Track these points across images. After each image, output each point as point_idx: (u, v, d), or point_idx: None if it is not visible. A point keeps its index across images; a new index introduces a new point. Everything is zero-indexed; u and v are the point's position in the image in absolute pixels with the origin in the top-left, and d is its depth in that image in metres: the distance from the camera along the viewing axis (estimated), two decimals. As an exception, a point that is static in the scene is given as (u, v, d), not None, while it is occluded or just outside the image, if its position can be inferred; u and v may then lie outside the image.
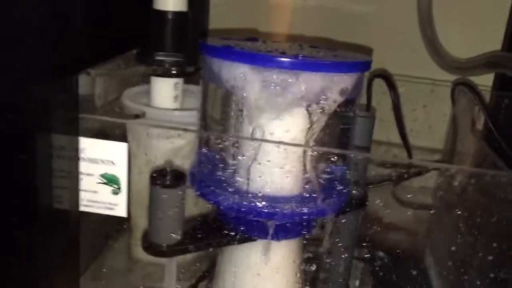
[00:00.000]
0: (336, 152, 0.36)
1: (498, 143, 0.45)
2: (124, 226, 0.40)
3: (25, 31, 0.27)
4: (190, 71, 0.44)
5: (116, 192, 0.34)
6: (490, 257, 0.38)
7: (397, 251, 0.47)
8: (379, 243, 0.46)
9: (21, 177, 0.28)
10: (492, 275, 0.38)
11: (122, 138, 0.36)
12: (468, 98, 0.50)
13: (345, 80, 0.33)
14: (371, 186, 0.44)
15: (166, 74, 0.43)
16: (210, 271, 0.42)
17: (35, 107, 0.28)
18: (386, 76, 0.49)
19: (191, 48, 0.44)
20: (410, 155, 0.50)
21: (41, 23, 0.28)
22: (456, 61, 0.59)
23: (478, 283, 0.39)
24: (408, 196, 0.47)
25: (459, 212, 0.40)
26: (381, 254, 0.48)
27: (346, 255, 0.42)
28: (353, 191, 0.38)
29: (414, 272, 0.44)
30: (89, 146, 0.33)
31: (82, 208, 0.34)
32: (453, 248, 0.42)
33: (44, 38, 0.28)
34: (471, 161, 0.49)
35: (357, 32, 0.62)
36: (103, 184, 0.34)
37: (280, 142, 0.34)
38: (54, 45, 0.28)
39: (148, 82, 0.45)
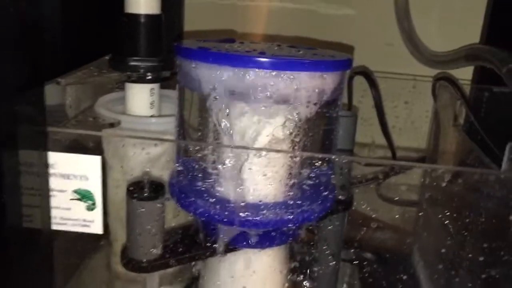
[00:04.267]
0: (320, 156, 0.35)
1: (481, 137, 0.45)
2: (101, 243, 0.38)
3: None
4: (166, 75, 0.43)
5: (91, 208, 0.33)
6: (477, 256, 0.37)
7: (384, 251, 0.46)
8: (366, 244, 0.45)
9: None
10: (481, 275, 0.37)
11: (97, 149, 0.34)
12: (449, 93, 0.49)
13: (327, 79, 0.32)
14: (355, 186, 0.43)
15: (141, 80, 0.42)
16: (193, 284, 0.41)
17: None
18: (366, 73, 0.48)
19: (166, 52, 0.43)
20: (393, 154, 0.49)
21: (6, 30, 0.26)
22: (435, 55, 0.59)
23: (465, 281, 0.39)
24: (394, 195, 0.46)
25: (445, 211, 0.40)
26: (368, 255, 0.48)
27: (333, 260, 0.41)
28: (339, 196, 0.37)
29: (402, 273, 0.44)
30: (59, 161, 0.31)
31: (54, 227, 0.33)
32: (440, 247, 0.42)
33: (9, 46, 0.26)
34: (455, 156, 0.49)
35: (335, 30, 0.61)
36: (76, 200, 0.32)
37: (261, 149, 0.33)
38: (20, 53, 0.27)
39: (122, 88, 0.43)
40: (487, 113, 0.50)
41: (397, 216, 0.45)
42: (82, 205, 0.32)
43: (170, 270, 0.35)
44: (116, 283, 0.42)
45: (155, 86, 0.43)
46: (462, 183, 0.35)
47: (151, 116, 0.43)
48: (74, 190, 0.32)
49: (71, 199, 0.32)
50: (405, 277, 0.43)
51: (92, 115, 0.41)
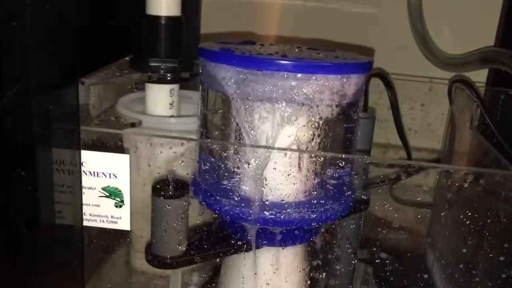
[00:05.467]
0: (341, 156, 0.35)
1: (496, 140, 0.45)
2: (128, 240, 0.39)
3: (24, 41, 0.26)
4: (185, 76, 0.43)
5: (119, 205, 0.33)
6: (492, 255, 0.38)
7: (400, 251, 0.46)
8: (381, 244, 0.45)
9: (22, 193, 0.27)
10: (497, 275, 0.37)
11: (118, 147, 0.35)
12: (465, 95, 0.49)
13: (348, 82, 0.33)
14: (372, 187, 0.44)
15: (161, 81, 0.42)
16: (213, 281, 0.41)
17: (35, 120, 0.27)
18: (383, 76, 0.49)
19: (186, 53, 0.43)
20: (409, 155, 0.50)
21: (40, 34, 0.27)
22: (449, 58, 0.59)
23: (479, 280, 0.39)
24: (407, 196, 0.46)
25: (460, 212, 0.40)
26: (383, 255, 0.48)
27: (352, 259, 0.41)
28: (362, 196, 0.37)
29: (418, 272, 0.44)
30: (90, 159, 0.32)
31: (85, 223, 0.33)
32: (455, 248, 0.42)
33: (43, 49, 0.27)
34: (470, 158, 0.49)
35: (351, 32, 0.61)
36: (105, 198, 0.33)
37: (283, 149, 0.33)
38: (52, 56, 0.27)
39: (143, 89, 0.44)
40: (503, 115, 0.50)
41: (410, 214, 0.45)
42: (110, 202, 0.33)
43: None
44: (136, 279, 0.42)
45: (175, 86, 0.43)
46: (479, 184, 0.35)
47: (171, 116, 0.43)
48: (103, 188, 0.33)
49: (100, 196, 0.33)
50: (419, 276, 0.43)
51: (114, 114, 0.41)
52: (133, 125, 0.39)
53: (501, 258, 0.36)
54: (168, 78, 0.42)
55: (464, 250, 0.41)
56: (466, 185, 0.35)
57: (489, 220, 0.37)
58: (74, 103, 0.30)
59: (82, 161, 0.32)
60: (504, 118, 0.49)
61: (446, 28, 0.61)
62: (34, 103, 0.27)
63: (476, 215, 0.38)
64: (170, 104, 0.43)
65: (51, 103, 0.27)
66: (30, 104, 0.27)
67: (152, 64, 0.42)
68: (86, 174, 0.32)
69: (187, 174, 0.36)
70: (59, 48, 0.28)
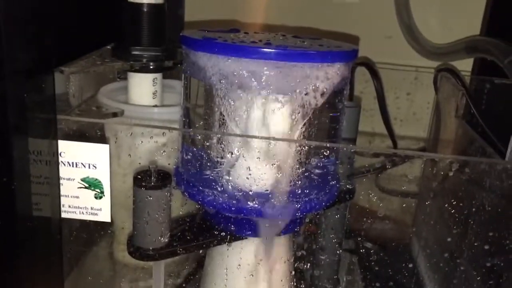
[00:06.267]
0: (325, 145, 0.35)
1: (482, 128, 0.45)
2: (109, 231, 0.38)
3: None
4: (168, 65, 0.43)
5: (99, 197, 0.33)
6: (476, 244, 0.38)
7: (385, 241, 0.46)
8: (366, 234, 0.45)
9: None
10: (481, 264, 0.38)
11: (100, 138, 0.34)
12: (451, 84, 0.49)
13: (334, 70, 0.32)
14: (358, 176, 0.44)
15: (144, 70, 0.42)
16: (196, 273, 0.41)
17: (9, 109, 0.26)
18: (369, 65, 0.48)
19: (169, 41, 0.42)
20: (395, 145, 0.50)
21: (14, 20, 0.26)
22: (434, 47, 0.59)
23: (464, 269, 0.39)
24: (392, 185, 0.46)
25: (445, 200, 0.40)
26: (368, 245, 0.48)
27: (337, 249, 0.41)
28: (347, 186, 0.37)
29: (403, 262, 0.44)
30: (68, 149, 0.31)
31: (63, 215, 0.33)
32: (440, 237, 0.42)
33: (18, 35, 0.26)
34: (456, 147, 0.49)
35: (336, 21, 0.61)
36: (84, 189, 0.32)
37: (267, 138, 0.33)
38: (28, 42, 0.27)
39: (125, 78, 0.43)
40: (488, 104, 0.50)
41: (395, 204, 0.45)
42: (90, 193, 0.32)
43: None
44: (119, 270, 0.42)
45: (158, 75, 0.43)
46: (464, 173, 0.35)
47: (154, 106, 0.43)
48: (82, 179, 0.32)
49: (79, 188, 0.32)
50: (404, 266, 0.43)
51: (95, 104, 0.41)
52: (115, 115, 0.39)
53: (486, 247, 0.36)
54: (151, 67, 0.42)
55: (449, 239, 0.41)
56: (451, 174, 0.35)
57: (474, 209, 0.37)
58: (50, 92, 0.29)
59: (60, 151, 0.31)
60: (489, 107, 0.49)
61: (432, 17, 0.61)
62: (8, 91, 0.26)
63: (461, 204, 0.38)
64: (153, 94, 0.43)
65: (27, 91, 0.27)
66: (4, 92, 0.26)
67: (135, 52, 0.41)
68: (64, 164, 0.31)
69: (169, 164, 0.36)
70: (35, 34, 0.28)
